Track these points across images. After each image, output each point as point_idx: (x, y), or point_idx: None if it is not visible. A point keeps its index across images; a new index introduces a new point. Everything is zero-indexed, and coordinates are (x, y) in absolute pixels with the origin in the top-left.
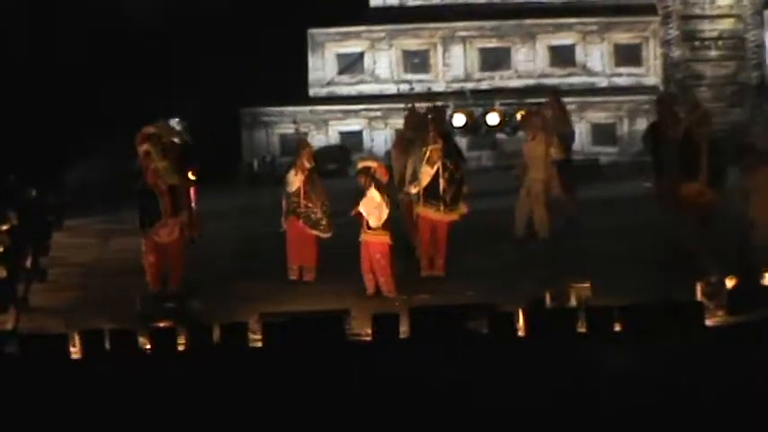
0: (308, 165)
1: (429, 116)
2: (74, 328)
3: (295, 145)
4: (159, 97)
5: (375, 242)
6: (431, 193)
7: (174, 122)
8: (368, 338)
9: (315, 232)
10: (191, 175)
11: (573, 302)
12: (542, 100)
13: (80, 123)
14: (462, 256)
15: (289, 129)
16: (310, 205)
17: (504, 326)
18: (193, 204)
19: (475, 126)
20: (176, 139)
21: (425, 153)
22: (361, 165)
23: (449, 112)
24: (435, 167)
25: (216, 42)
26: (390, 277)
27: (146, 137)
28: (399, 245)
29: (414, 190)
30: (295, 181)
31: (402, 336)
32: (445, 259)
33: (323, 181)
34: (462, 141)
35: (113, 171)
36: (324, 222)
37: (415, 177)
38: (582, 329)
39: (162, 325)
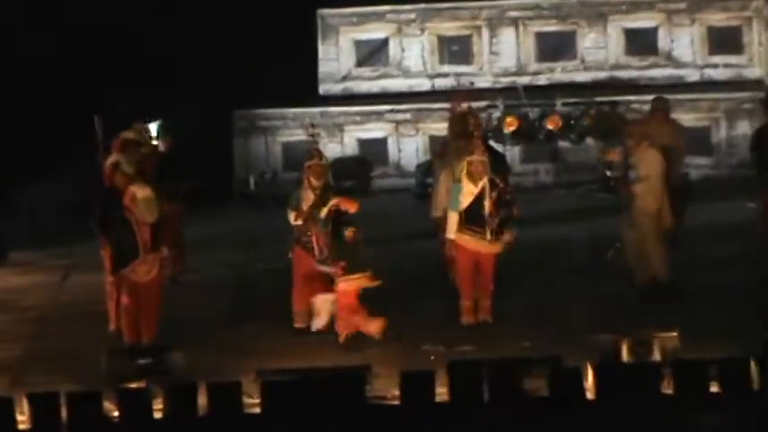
0: (315, 182)
1: (468, 119)
2: (21, 389)
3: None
4: (133, 99)
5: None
6: (473, 217)
7: (154, 127)
8: (395, 401)
9: (323, 268)
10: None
11: (657, 356)
12: (617, 98)
13: (33, 131)
14: (514, 296)
15: (294, 136)
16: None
17: (570, 385)
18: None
19: (530, 131)
20: (160, 147)
21: (465, 166)
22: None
23: (496, 113)
24: (480, 185)
25: (202, 28)
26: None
27: (121, 145)
28: (436, 282)
29: (437, 213)
30: (302, 204)
31: (438, 398)
32: (492, 301)
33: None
34: (514, 151)
35: (74, 191)
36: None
37: (446, 198)
38: (668, 390)
39: (134, 386)
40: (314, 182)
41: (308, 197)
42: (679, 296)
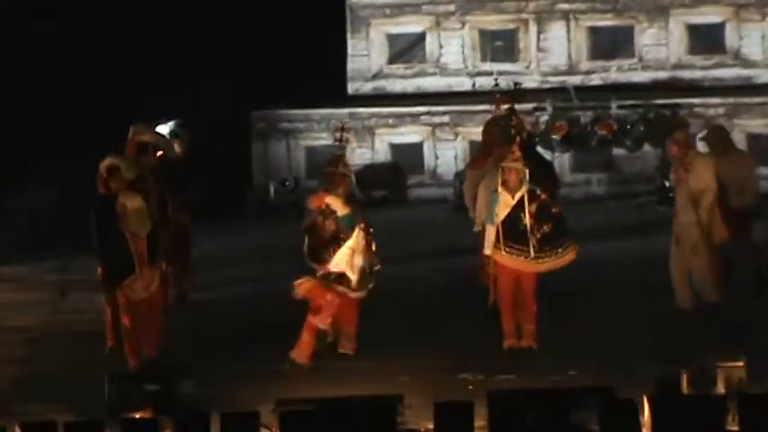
0: (336, 186)
1: (504, 120)
2: (14, 418)
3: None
4: (145, 99)
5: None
6: (511, 231)
7: (169, 127)
8: None
9: (341, 289)
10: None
11: (720, 388)
12: (678, 101)
13: (30, 134)
14: (562, 320)
15: (319, 139)
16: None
17: (623, 419)
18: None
19: (581, 137)
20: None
21: (500, 175)
22: (313, 203)
23: (544, 117)
24: (517, 196)
25: (217, 20)
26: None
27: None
28: (476, 302)
29: (477, 227)
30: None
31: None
32: (537, 324)
33: (366, 213)
34: (563, 158)
35: (72, 199)
36: (354, 276)
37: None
38: (733, 426)
39: (139, 415)
40: (331, 191)
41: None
42: (727, 318)
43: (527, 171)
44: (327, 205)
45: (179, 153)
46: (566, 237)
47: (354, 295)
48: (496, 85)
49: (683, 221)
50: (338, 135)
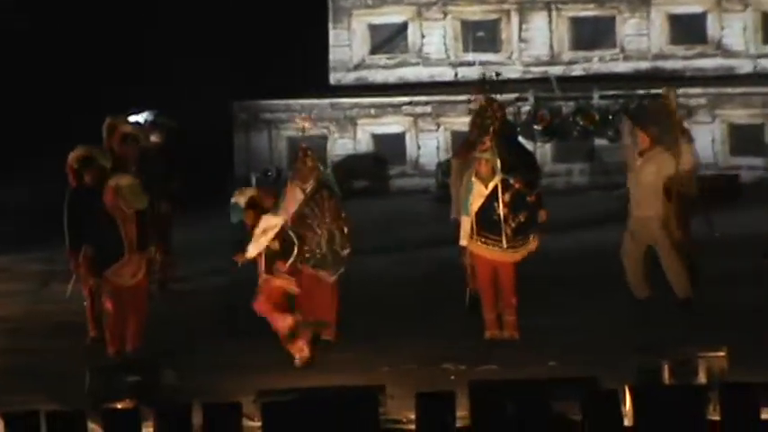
0: (303, 185)
1: (483, 111)
2: None
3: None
4: (119, 88)
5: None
6: (485, 222)
7: (146, 117)
8: (411, 426)
9: (321, 273)
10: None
11: (701, 378)
12: (660, 91)
13: (12, 129)
14: (543, 310)
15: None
16: (311, 235)
17: (605, 410)
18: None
19: (563, 128)
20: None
21: (475, 164)
22: (238, 200)
23: (526, 106)
24: (491, 186)
25: (199, 11)
26: None
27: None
28: (458, 293)
29: (454, 215)
30: (288, 203)
31: (460, 423)
32: (517, 315)
33: (346, 203)
34: (545, 149)
35: (52, 188)
36: (329, 259)
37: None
38: (714, 416)
39: (121, 405)
40: (302, 185)
41: (297, 198)
42: (692, 313)
43: (498, 161)
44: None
45: (157, 143)
46: (536, 225)
47: (329, 279)
48: (483, 75)
49: (637, 215)
50: (300, 124)
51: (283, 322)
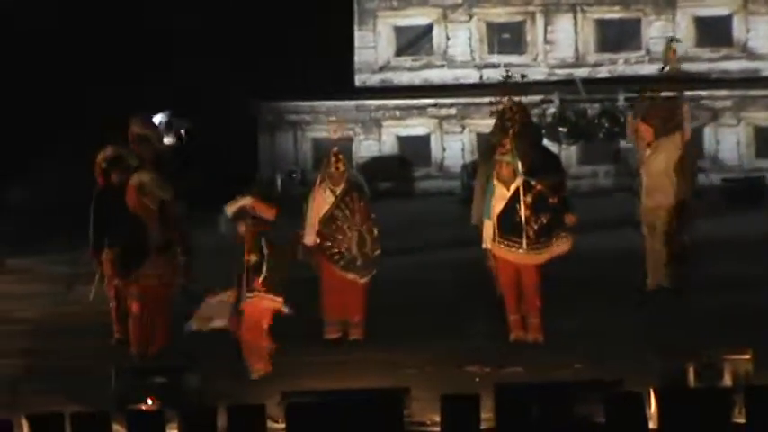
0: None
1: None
2: (20, 410)
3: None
4: (141, 88)
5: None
6: (507, 224)
7: (162, 118)
8: (435, 428)
9: (350, 276)
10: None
11: (727, 380)
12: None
13: (33, 123)
14: (568, 313)
15: (326, 131)
16: (341, 237)
17: (629, 412)
18: None
19: (588, 129)
20: (167, 141)
21: (495, 168)
22: (231, 209)
23: (551, 109)
24: (512, 188)
25: (224, 12)
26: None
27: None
28: (483, 295)
29: (474, 221)
30: (318, 205)
31: (484, 425)
32: (542, 318)
33: (373, 204)
34: (570, 151)
35: (76, 188)
36: (359, 262)
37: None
38: (740, 419)
39: (145, 407)
40: (333, 188)
41: (328, 201)
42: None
43: (519, 163)
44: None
45: (171, 144)
46: (561, 227)
47: (361, 281)
48: (506, 76)
49: (647, 205)
50: (332, 130)
51: (267, 344)
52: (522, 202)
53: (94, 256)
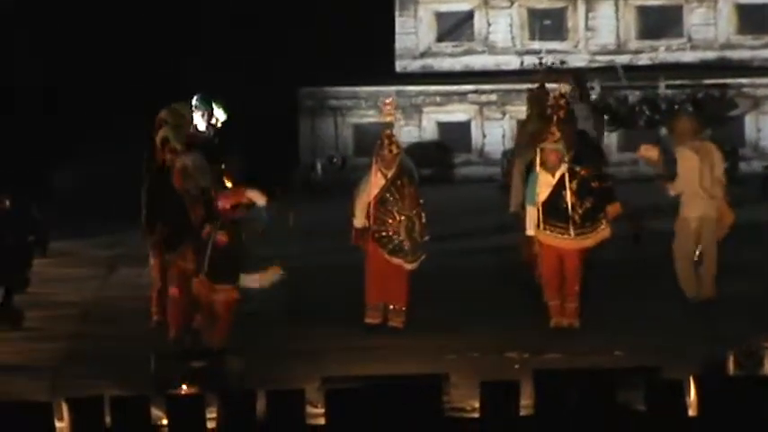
0: (385, 171)
1: (549, 99)
2: (61, 393)
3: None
4: (182, 71)
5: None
6: (552, 210)
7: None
8: (474, 414)
9: (396, 260)
10: (225, 180)
11: (767, 369)
12: (727, 81)
13: (74, 107)
14: (609, 299)
15: (367, 117)
16: (390, 221)
17: (670, 399)
18: None
19: (629, 116)
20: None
21: (538, 154)
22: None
23: (592, 95)
24: (558, 175)
25: None
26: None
27: (163, 120)
28: (522, 281)
29: (513, 208)
30: (371, 187)
31: (523, 411)
32: (580, 303)
33: (417, 181)
34: (611, 138)
35: (120, 173)
36: (407, 247)
37: (522, 192)
38: None
39: (185, 391)
40: (384, 170)
41: (378, 183)
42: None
43: (565, 150)
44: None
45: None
46: (604, 213)
47: (409, 267)
48: (549, 63)
49: (700, 215)
50: (387, 109)
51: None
52: (567, 189)
53: (148, 232)
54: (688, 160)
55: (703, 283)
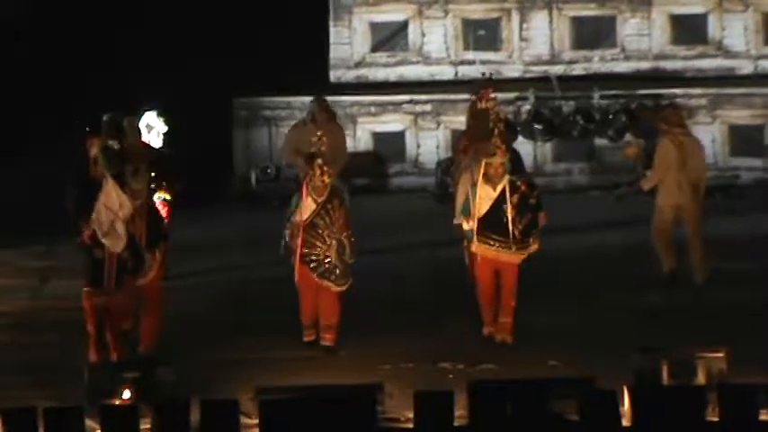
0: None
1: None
2: None
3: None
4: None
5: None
6: (492, 224)
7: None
8: (409, 424)
9: (325, 284)
10: (164, 194)
11: (700, 378)
12: (661, 91)
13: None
14: (542, 310)
15: None
16: (320, 245)
17: (603, 410)
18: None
19: (563, 127)
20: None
21: (482, 168)
22: None
23: (526, 106)
24: (498, 188)
25: (199, 8)
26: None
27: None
28: (457, 293)
29: (465, 224)
30: (302, 211)
31: (457, 422)
32: (514, 319)
33: (348, 202)
34: (545, 148)
35: (53, 182)
36: (338, 271)
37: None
38: (713, 417)
39: (119, 402)
40: (315, 197)
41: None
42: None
43: (509, 164)
44: None
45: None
46: (536, 226)
47: (337, 289)
48: (490, 75)
49: (675, 204)
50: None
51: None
52: (508, 203)
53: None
54: (666, 151)
55: (695, 269)
